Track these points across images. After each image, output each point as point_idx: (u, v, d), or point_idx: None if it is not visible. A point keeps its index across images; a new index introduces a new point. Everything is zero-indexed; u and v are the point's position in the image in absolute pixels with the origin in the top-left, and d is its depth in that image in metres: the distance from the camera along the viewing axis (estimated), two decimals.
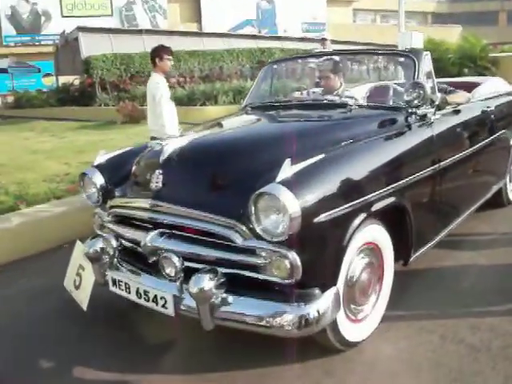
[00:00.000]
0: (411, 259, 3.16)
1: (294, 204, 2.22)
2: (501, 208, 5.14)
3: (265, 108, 3.94)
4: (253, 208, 2.29)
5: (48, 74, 29.47)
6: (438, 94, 3.48)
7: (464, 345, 2.86)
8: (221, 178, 2.61)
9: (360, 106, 3.46)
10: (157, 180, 2.69)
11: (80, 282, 3.22)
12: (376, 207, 2.71)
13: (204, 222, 2.49)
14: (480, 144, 4.13)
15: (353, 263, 2.68)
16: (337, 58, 4.17)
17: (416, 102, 3.27)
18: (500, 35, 40.15)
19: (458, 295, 3.49)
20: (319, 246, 2.41)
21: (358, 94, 3.84)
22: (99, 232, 3.19)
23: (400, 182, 2.92)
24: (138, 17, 33.11)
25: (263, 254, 2.34)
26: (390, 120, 3.29)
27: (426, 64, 3.56)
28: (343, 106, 3.46)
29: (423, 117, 3.38)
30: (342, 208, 2.45)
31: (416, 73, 3.45)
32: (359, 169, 2.69)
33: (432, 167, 3.28)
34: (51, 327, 3.36)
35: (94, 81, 19.17)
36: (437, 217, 3.54)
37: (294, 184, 2.29)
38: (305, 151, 2.57)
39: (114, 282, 2.84)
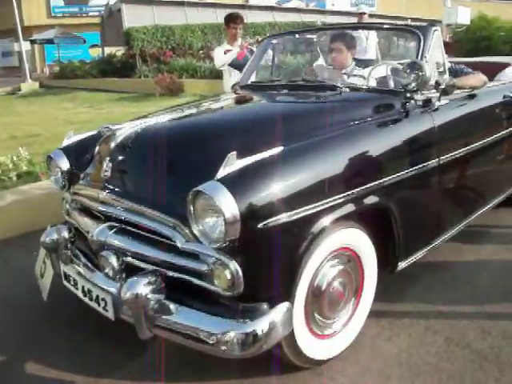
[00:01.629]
0: (398, 268, 2.77)
1: (231, 206, 1.90)
2: None
3: (253, 88, 3.61)
4: (191, 207, 2.00)
5: (95, 45, 29.69)
6: (446, 77, 2.98)
7: (470, 350, 2.61)
8: (168, 170, 2.31)
9: (351, 89, 3.06)
10: (106, 168, 2.45)
11: (44, 270, 3.03)
12: (351, 208, 2.34)
13: (147, 219, 2.22)
14: (496, 135, 3.61)
15: (321, 270, 2.34)
16: (351, 32, 3.74)
17: (414, 84, 2.82)
18: None
19: (474, 293, 3.20)
20: (267, 254, 2.06)
21: (377, 73, 3.36)
22: (67, 219, 2.98)
23: (385, 179, 2.52)
24: None
25: (205, 260, 2.05)
26: (382, 106, 2.88)
27: (435, 41, 3.07)
28: (333, 88, 3.06)
29: (427, 102, 2.94)
30: (299, 210, 2.09)
31: (421, 51, 2.98)
32: (328, 164, 2.30)
33: (428, 162, 2.84)
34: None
35: (135, 52, 19.17)
36: (432, 221, 3.09)
37: (237, 182, 1.98)
38: (265, 142, 2.24)
39: (66, 276, 2.63)
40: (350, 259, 2.51)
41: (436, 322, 2.85)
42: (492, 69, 4.20)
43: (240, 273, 1.96)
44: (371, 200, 2.45)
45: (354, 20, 15.62)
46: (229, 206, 1.90)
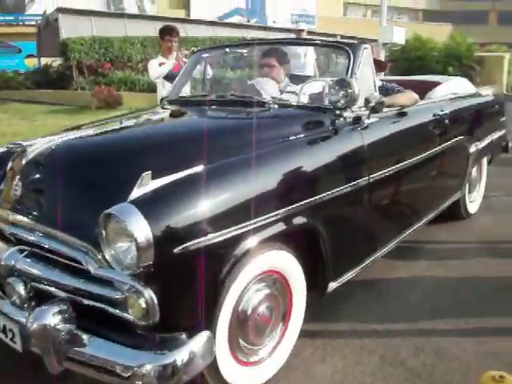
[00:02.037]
0: (329, 289, 2.68)
1: (144, 230, 1.76)
2: (457, 222, 4.75)
3: (181, 103, 3.49)
4: (102, 231, 1.85)
5: (31, 55, 28.74)
6: (376, 94, 2.93)
7: (404, 368, 2.60)
8: (81, 190, 2.15)
9: (280, 106, 2.99)
10: (16, 187, 2.27)
11: None
12: (277, 229, 2.24)
13: (58, 243, 2.06)
14: (427, 153, 3.61)
15: (246, 295, 2.23)
16: (284, 47, 3.69)
17: (342, 102, 2.76)
18: (490, 35, 39.99)
19: (407, 310, 3.21)
20: (185, 281, 1.94)
21: (309, 89, 3.32)
22: None
23: (313, 199, 2.44)
24: (125, 0, 32.32)
25: (119, 287, 1.90)
26: (311, 123, 2.81)
27: (365, 59, 3.05)
28: (262, 104, 2.98)
29: (357, 120, 2.90)
30: (220, 233, 1.98)
31: (350, 68, 2.96)
32: (253, 183, 2.19)
33: (358, 181, 2.77)
34: None
35: (71, 64, 18.68)
36: (364, 240, 3.03)
37: (151, 204, 1.85)
38: (185, 160, 2.12)
39: None
40: (276, 282, 2.41)
41: (370, 341, 2.82)
42: (423, 87, 4.23)
43: (155, 301, 1.82)
44: (298, 220, 2.36)
45: (293, 36, 15.88)
46: (141, 229, 1.76)
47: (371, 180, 2.86)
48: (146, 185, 1.89)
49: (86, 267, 1.94)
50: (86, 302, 1.99)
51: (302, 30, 9.49)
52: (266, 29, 24.61)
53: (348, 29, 30.57)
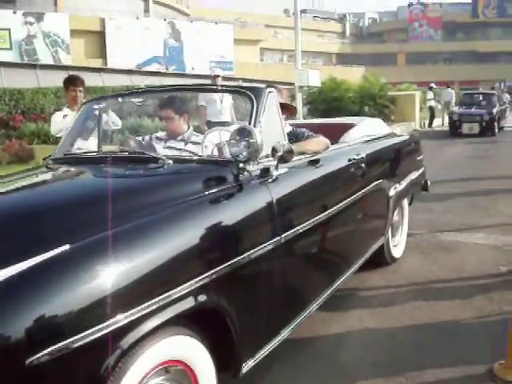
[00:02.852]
0: (243, 370, 2.29)
1: None
2: (385, 266, 4.57)
3: (65, 161, 3.04)
4: None
5: None
6: (284, 143, 2.59)
7: None
8: None
9: (176, 161, 2.60)
10: None
11: None
12: (170, 314, 1.84)
13: None
14: (345, 201, 3.36)
15: None
16: (181, 95, 3.41)
17: (244, 153, 2.41)
18: (399, 75, 42.45)
19: (344, 371, 2.94)
20: None
21: (216, 138, 2.99)
22: None
23: (213, 271, 2.06)
24: (39, 51, 31.53)
25: None
26: (211, 179, 2.43)
27: (270, 104, 2.77)
28: (155, 160, 2.56)
29: (264, 172, 2.56)
30: (91, 331, 1.57)
31: (254, 114, 2.64)
32: (137, 259, 1.77)
33: (268, 242, 2.41)
34: None
35: None
36: (281, 308, 2.64)
37: None
38: (48, 238, 1.73)
39: None
40: (181, 373, 2.01)
41: None
42: (337, 130, 4.05)
43: None
44: (199, 299, 1.98)
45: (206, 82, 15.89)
46: None
47: (284, 239, 2.52)
48: None
49: None
50: None
51: (218, 76, 9.53)
52: (183, 76, 24.69)
53: (266, 73, 31.31)
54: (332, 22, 62.16)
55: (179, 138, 3.23)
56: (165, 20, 34.65)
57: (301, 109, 14.56)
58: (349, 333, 3.42)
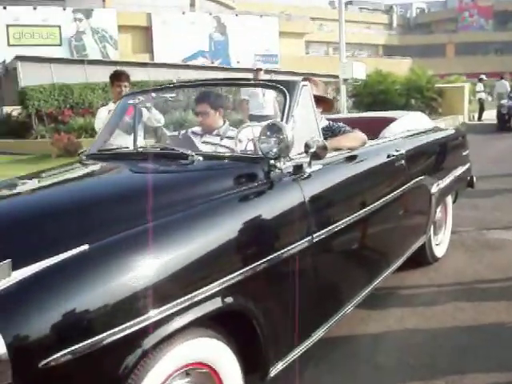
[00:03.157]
0: (271, 373, 2.22)
1: None
2: (425, 267, 4.40)
3: (99, 158, 3.04)
4: None
5: None
6: (317, 139, 2.49)
7: None
8: None
9: (206, 157, 2.55)
10: None
11: None
12: (198, 314, 1.81)
13: None
14: (383, 199, 3.21)
15: None
16: (216, 89, 3.37)
17: (275, 150, 2.33)
18: (448, 66, 41.36)
19: (373, 371, 2.84)
20: None
21: (250, 134, 2.94)
22: None
23: (242, 272, 1.99)
24: (88, 47, 32.27)
25: None
26: (241, 177, 2.36)
27: (303, 98, 2.67)
28: (184, 157, 2.51)
29: (297, 169, 2.48)
30: (107, 334, 1.53)
31: (286, 110, 2.56)
32: (161, 258, 1.74)
33: (298, 242, 2.32)
34: None
35: (30, 112, 18.33)
36: (312, 311, 2.55)
37: (7, 306, 1.44)
38: (69, 237, 1.70)
39: None
40: (205, 376, 1.97)
41: None
42: (377, 125, 3.92)
43: None
44: (226, 300, 1.92)
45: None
46: None
47: (316, 239, 2.44)
48: (5, 278, 1.48)
49: None
50: None
51: (260, 69, 9.50)
52: (228, 69, 24.75)
53: (310, 66, 31.03)
54: (379, 13, 61.09)
55: (215, 132, 3.19)
56: (210, 14, 34.85)
57: (345, 102, 14.37)
58: (387, 333, 3.33)
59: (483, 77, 22.50)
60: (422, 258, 4.32)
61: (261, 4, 44.48)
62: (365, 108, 17.42)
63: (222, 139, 3.09)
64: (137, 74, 20.26)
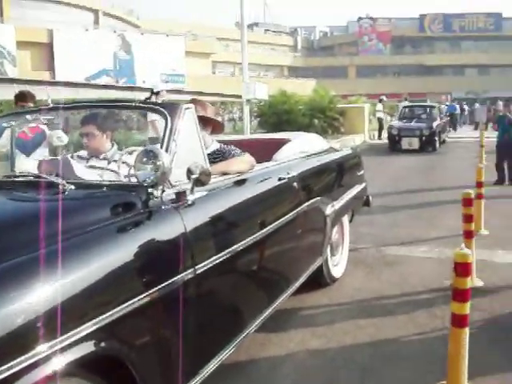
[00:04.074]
0: None
1: None
2: (324, 288, 4.38)
3: None
4: None
5: None
6: (200, 164, 2.36)
7: None
8: None
9: (78, 186, 2.31)
10: None
11: None
12: (62, 363, 1.59)
13: None
14: (275, 223, 3.11)
15: None
16: (103, 111, 3.18)
17: (152, 178, 2.19)
18: (350, 88, 43.24)
19: None
20: None
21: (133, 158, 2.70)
22: None
23: (113, 312, 1.79)
24: None
25: None
26: (117, 206, 2.15)
27: (187, 121, 2.55)
28: (54, 185, 2.27)
29: (179, 196, 2.30)
30: None
31: (167, 134, 2.42)
32: (18, 300, 1.52)
33: (178, 277, 2.16)
34: None
35: None
36: (202, 344, 2.37)
37: None
38: None
39: None
40: None
41: None
42: (271, 146, 3.85)
43: None
44: (96, 345, 1.72)
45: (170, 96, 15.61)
46: None
47: (199, 271, 2.29)
48: None
49: None
50: None
51: (158, 92, 9.14)
52: (133, 88, 24.32)
53: (217, 86, 31.22)
54: (284, 36, 62.72)
55: (102, 156, 3.02)
56: (115, 32, 34.24)
57: (248, 122, 14.49)
58: (288, 356, 3.27)
59: (383, 98, 23.65)
60: (320, 280, 4.28)
61: (167, 23, 44.32)
62: (270, 128, 17.70)
63: (109, 163, 2.92)
64: (36, 93, 19.47)
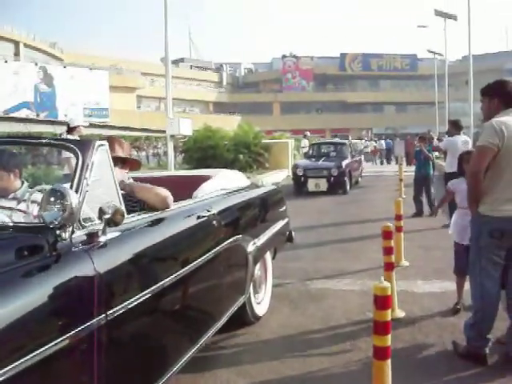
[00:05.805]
0: None
1: None
2: (249, 326, 4.31)
3: None
4: None
5: None
6: (113, 203, 2.27)
7: None
8: None
9: None
10: None
11: None
12: None
13: None
14: (193, 263, 3.02)
15: None
16: (9, 148, 3.05)
17: (59, 219, 2.06)
18: (275, 123, 44.25)
19: None
20: None
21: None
22: None
23: (10, 367, 1.64)
24: None
25: None
26: (22, 249, 2.00)
27: (100, 159, 2.45)
28: None
29: (90, 238, 2.21)
30: None
31: (78, 171, 2.32)
32: None
33: (87, 324, 2.01)
34: None
35: None
36: None
37: None
38: None
39: None
40: None
41: None
42: (192, 183, 3.80)
43: None
44: None
45: (94, 131, 15.22)
46: None
47: (110, 317, 2.16)
48: None
49: None
50: None
51: (76, 127, 8.85)
52: (54, 123, 23.64)
53: (142, 121, 31.01)
54: (209, 72, 63.42)
55: (11, 196, 2.87)
56: (36, 64, 33.28)
57: (172, 158, 14.41)
58: None
59: (308, 133, 24.30)
60: (243, 318, 4.19)
61: (91, 56, 43.68)
62: (195, 163, 17.68)
63: (19, 203, 2.77)
64: None
